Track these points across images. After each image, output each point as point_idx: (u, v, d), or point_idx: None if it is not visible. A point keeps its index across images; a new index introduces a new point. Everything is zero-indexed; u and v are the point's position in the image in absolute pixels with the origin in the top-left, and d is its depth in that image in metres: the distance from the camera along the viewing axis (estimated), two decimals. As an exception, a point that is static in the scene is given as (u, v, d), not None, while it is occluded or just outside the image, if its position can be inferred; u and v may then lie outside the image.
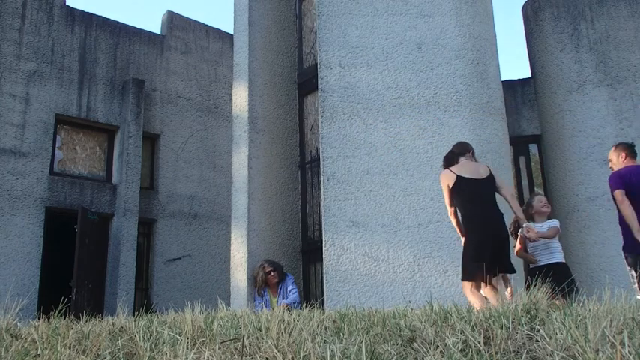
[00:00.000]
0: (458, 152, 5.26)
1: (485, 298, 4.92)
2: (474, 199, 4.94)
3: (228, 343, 2.34)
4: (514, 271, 4.98)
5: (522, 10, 10.35)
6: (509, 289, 5.65)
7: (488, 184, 5.01)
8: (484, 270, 4.62)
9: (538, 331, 2.18)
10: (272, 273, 7.14)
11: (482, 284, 4.75)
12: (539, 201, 5.72)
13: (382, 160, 7.05)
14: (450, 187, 4.99)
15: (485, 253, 4.70)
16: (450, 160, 5.24)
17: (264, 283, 7.20)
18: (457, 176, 4.99)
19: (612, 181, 5.23)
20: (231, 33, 9.86)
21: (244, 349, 2.21)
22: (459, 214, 5.08)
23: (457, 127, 7.14)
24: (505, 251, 4.83)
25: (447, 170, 5.12)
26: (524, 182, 9.69)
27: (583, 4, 9.48)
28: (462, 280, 4.86)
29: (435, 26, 7.57)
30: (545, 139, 9.50)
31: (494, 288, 4.74)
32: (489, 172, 5.06)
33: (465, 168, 5.08)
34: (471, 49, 7.53)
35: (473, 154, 5.31)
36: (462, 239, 5.04)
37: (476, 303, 4.63)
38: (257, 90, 8.43)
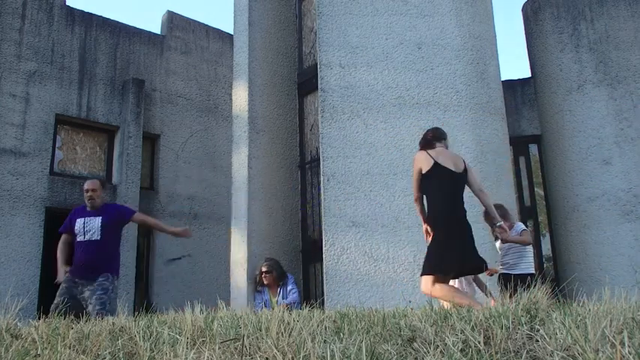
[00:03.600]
0: (435, 137, 4.86)
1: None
2: (446, 193, 4.58)
3: (228, 343, 2.34)
4: (483, 270, 4.72)
5: (522, 10, 10.35)
6: (492, 301, 5.59)
7: (463, 179, 4.68)
8: (449, 270, 4.44)
9: (538, 331, 2.18)
10: (265, 275, 7.13)
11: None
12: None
13: (382, 160, 7.05)
14: (424, 172, 4.60)
15: (452, 253, 4.42)
16: (427, 143, 4.82)
17: (261, 280, 7.23)
18: (434, 162, 4.58)
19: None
20: (231, 33, 9.86)
21: (244, 349, 2.21)
22: (424, 200, 4.72)
23: (457, 127, 7.14)
24: (472, 250, 4.50)
25: (424, 152, 4.69)
26: (525, 182, 9.69)
27: (583, 4, 9.48)
28: (424, 274, 4.47)
29: (435, 26, 7.57)
30: (545, 139, 9.50)
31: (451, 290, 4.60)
32: (464, 166, 4.71)
33: (443, 156, 4.67)
34: (471, 49, 7.53)
35: (446, 145, 4.94)
36: (424, 227, 4.70)
37: (452, 296, 4.32)
38: (257, 90, 8.43)
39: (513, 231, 5.50)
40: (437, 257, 4.46)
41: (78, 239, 5.39)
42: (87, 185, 5.52)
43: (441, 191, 4.58)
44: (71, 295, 5.28)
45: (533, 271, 5.48)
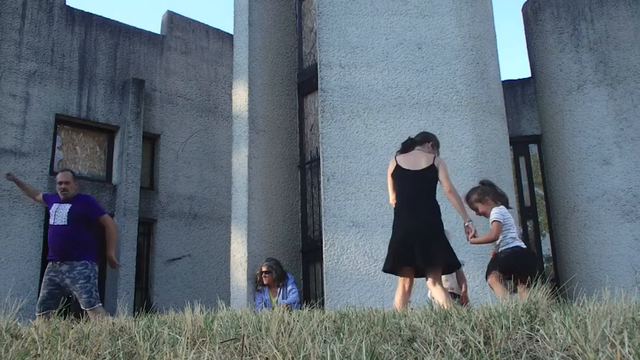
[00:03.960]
0: (416, 141, 5.05)
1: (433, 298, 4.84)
2: (402, 191, 4.81)
3: (228, 343, 2.34)
4: (453, 268, 4.72)
5: (522, 10, 10.35)
6: (463, 300, 5.44)
7: (424, 176, 4.78)
8: (402, 265, 4.58)
9: (538, 331, 2.18)
10: (265, 275, 7.16)
11: (428, 283, 4.64)
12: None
13: (382, 160, 7.05)
14: (390, 173, 4.91)
15: (400, 250, 4.58)
16: (405, 147, 5.05)
17: (261, 280, 7.24)
18: (396, 165, 4.87)
19: None
20: (231, 33, 9.86)
21: (244, 349, 2.21)
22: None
23: (457, 127, 7.14)
24: (430, 246, 4.53)
25: (393, 156, 5.03)
26: (524, 182, 9.69)
27: (583, 4, 9.48)
28: (382, 270, 4.87)
29: (435, 26, 7.57)
30: (545, 139, 9.50)
31: (440, 287, 4.54)
32: (431, 164, 4.80)
33: (408, 158, 4.90)
34: (471, 49, 7.53)
35: (434, 145, 5.05)
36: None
37: (395, 299, 4.62)
38: (257, 90, 8.43)
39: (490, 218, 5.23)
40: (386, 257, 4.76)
41: (50, 222, 5.74)
42: (60, 178, 5.79)
43: (397, 190, 4.86)
44: (55, 285, 5.45)
45: (511, 247, 4.89)
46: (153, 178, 11.65)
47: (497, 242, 4.97)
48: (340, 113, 7.33)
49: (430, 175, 4.79)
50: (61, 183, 5.71)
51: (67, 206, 5.65)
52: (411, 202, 4.76)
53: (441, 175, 4.79)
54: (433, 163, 4.81)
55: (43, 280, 5.51)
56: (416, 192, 4.78)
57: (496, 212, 5.00)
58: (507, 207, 5.18)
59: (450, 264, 4.67)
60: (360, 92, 7.39)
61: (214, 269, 11.62)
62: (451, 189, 4.76)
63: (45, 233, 10.08)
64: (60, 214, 5.64)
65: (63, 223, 5.58)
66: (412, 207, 4.74)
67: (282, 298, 7.07)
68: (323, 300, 6.70)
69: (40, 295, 5.44)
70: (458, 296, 5.65)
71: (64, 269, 5.43)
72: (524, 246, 5.07)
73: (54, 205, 5.74)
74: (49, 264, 5.57)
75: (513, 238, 4.96)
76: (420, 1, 7.68)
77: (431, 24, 7.58)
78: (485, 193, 5.15)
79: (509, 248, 4.91)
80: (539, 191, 9.66)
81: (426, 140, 5.06)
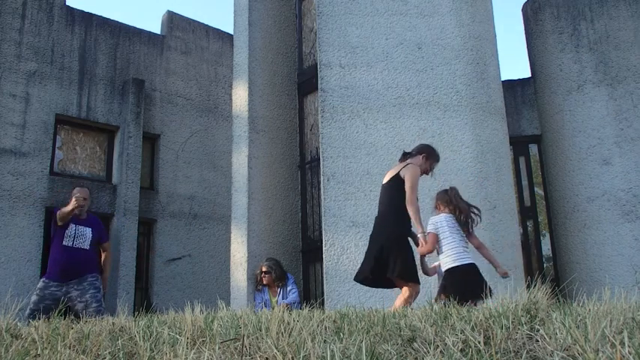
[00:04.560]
0: (409, 153, 5.09)
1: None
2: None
3: (228, 343, 2.34)
4: (400, 276, 4.57)
5: (522, 10, 10.35)
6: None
7: (387, 189, 4.85)
8: (372, 277, 4.66)
9: (538, 331, 2.18)
10: (265, 275, 7.16)
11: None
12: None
13: (382, 160, 7.05)
14: None
15: (366, 259, 4.75)
16: (400, 160, 5.12)
17: (261, 280, 7.24)
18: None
19: None
20: (231, 33, 9.86)
21: (244, 349, 2.21)
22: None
23: (457, 127, 7.14)
24: (378, 257, 4.57)
25: None
26: (524, 182, 9.69)
27: (583, 4, 9.48)
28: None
29: (435, 26, 7.57)
30: (545, 139, 9.50)
31: (401, 295, 4.61)
32: (397, 173, 4.80)
33: (390, 171, 5.00)
34: (471, 49, 7.53)
35: (426, 157, 5.00)
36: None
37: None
38: (257, 90, 8.43)
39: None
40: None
41: (64, 243, 5.58)
42: (82, 193, 5.76)
43: None
44: (55, 300, 5.36)
45: (453, 265, 4.70)
46: (153, 178, 11.64)
47: (441, 255, 4.81)
48: (340, 113, 7.33)
49: (394, 186, 4.78)
50: (79, 199, 5.68)
51: (88, 230, 5.69)
52: (379, 212, 4.90)
53: (406, 185, 4.72)
54: (398, 173, 4.79)
55: (40, 293, 5.38)
56: (379, 205, 4.90)
57: (430, 223, 4.87)
58: (457, 213, 4.90)
59: (390, 273, 4.57)
60: (360, 92, 7.39)
61: (214, 269, 11.61)
62: (409, 200, 4.67)
63: (45, 233, 10.07)
64: (81, 237, 5.62)
65: (84, 247, 5.60)
66: (376, 220, 4.88)
67: (282, 298, 7.07)
68: (323, 300, 6.70)
69: (33, 306, 5.29)
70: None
71: (72, 282, 5.44)
72: (465, 261, 4.70)
73: (71, 225, 5.64)
74: (49, 282, 5.45)
75: (456, 254, 4.71)
76: (420, 1, 7.68)
77: (431, 24, 7.58)
78: (437, 199, 5.06)
79: (451, 269, 4.70)
80: (539, 191, 9.66)
81: (418, 152, 5.05)
